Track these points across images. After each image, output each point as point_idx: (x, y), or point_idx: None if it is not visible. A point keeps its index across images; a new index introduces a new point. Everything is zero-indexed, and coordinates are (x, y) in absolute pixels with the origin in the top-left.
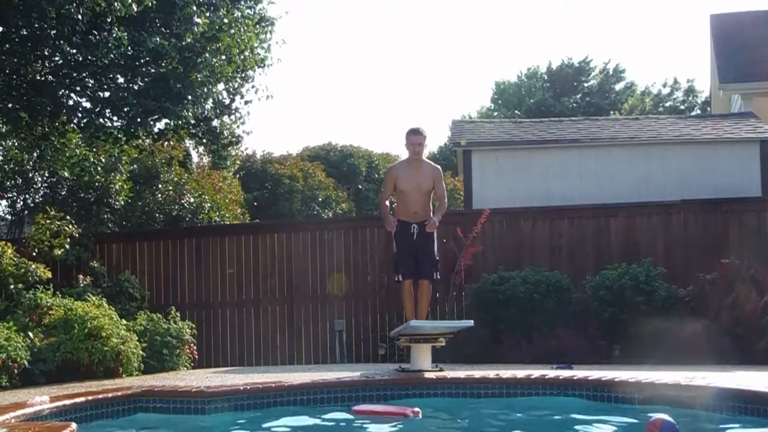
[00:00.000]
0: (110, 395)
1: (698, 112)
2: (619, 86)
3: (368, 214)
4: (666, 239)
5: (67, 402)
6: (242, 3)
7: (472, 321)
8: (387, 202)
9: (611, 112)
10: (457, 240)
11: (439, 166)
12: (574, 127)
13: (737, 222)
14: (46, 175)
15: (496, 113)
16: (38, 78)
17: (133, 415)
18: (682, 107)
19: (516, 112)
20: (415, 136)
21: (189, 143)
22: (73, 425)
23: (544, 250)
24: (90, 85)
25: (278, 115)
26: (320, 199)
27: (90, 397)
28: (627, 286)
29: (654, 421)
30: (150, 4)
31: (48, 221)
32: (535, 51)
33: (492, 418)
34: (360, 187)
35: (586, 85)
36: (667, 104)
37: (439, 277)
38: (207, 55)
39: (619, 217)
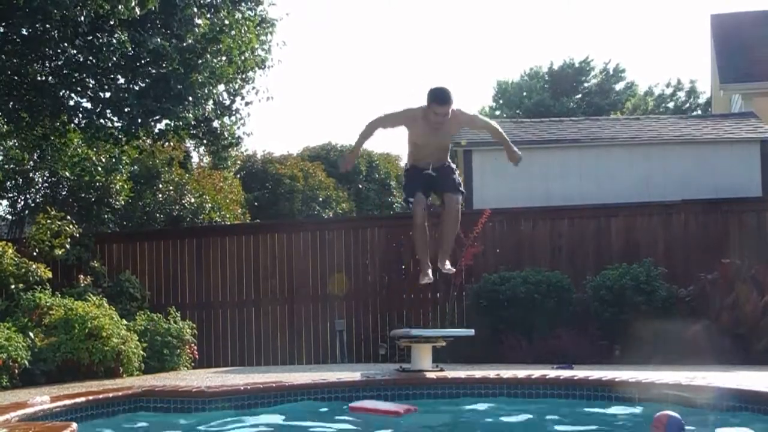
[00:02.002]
0: (111, 395)
1: (700, 112)
2: (619, 86)
3: (369, 214)
4: (666, 239)
5: (68, 402)
6: (243, 4)
7: (473, 330)
8: (372, 127)
9: (611, 113)
10: (457, 240)
11: (465, 111)
12: (574, 127)
13: (737, 222)
14: (47, 175)
15: (498, 112)
16: (39, 78)
17: (133, 414)
18: (684, 108)
19: (517, 112)
20: (440, 107)
21: (189, 144)
22: (74, 425)
23: (545, 250)
24: (91, 85)
25: (279, 116)
26: (321, 199)
27: (90, 397)
28: (627, 286)
29: (659, 417)
30: (153, 7)
31: (48, 221)
32: (537, 51)
33: (492, 418)
34: (360, 187)
35: (586, 85)
36: (669, 104)
37: (463, 198)
38: (208, 56)
39: (619, 217)
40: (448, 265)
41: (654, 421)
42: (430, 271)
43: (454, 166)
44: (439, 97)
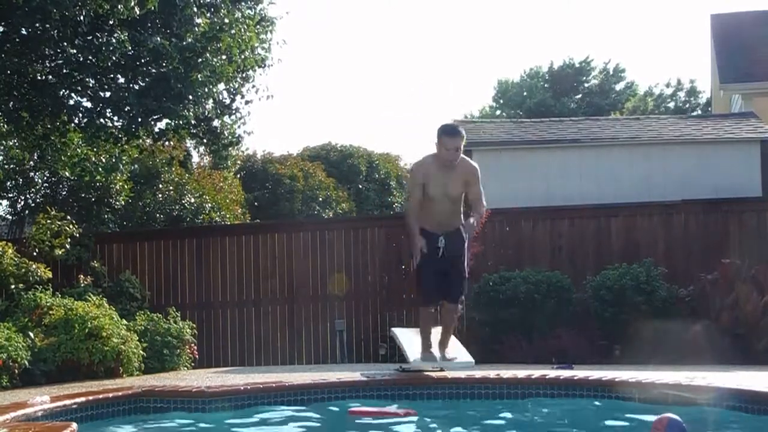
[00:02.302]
0: (111, 395)
1: (700, 112)
2: (619, 86)
3: (369, 214)
4: (666, 239)
5: (68, 402)
6: (243, 3)
7: (474, 361)
8: (415, 216)
9: (612, 113)
10: None
11: (476, 164)
12: (574, 127)
13: (738, 222)
14: (47, 174)
15: (498, 112)
16: (39, 78)
17: (133, 415)
18: (684, 108)
19: (518, 111)
20: (451, 140)
21: (189, 143)
22: (74, 425)
23: (545, 250)
24: (91, 85)
25: (278, 115)
26: (321, 199)
27: (90, 397)
28: (627, 286)
29: (660, 419)
30: (153, 7)
31: (48, 221)
32: (537, 51)
33: (492, 419)
34: (360, 187)
35: (586, 85)
36: (669, 105)
37: (464, 299)
38: (208, 54)
39: (619, 217)
40: (448, 354)
41: (654, 423)
42: (432, 350)
43: (465, 235)
44: (449, 129)
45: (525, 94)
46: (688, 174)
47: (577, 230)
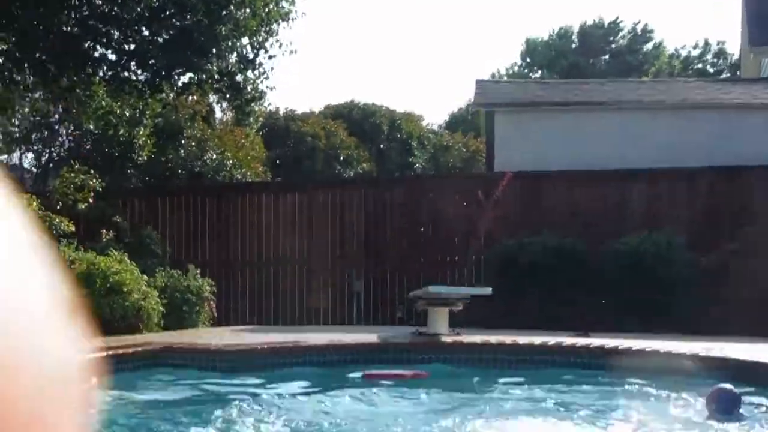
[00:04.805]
0: (130, 351)
1: (728, 75)
2: (647, 47)
3: (390, 175)
4: (689, 206)
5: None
6: None
7: (491, 288)
8: None
9: (639, 74)
10: (477, 203)
11: None
12: (599, 90)
13: (763, 190)
14: (71, 128)
15: (525, 70)
16: (65, 29)
17: (152, 370)
18: (711, 70)
19: (545, 71)
20: None
21: (212, 98)
22: (93, 379)
23: (565, 215)
24: (115, 37)
25: (301, 72)
26: (342, 158)
27: (110, 352)
28: (647, 254)
29: (713, 390)
30: None
31: (72, 175)
32: (566, 10)
33: (507, 384)
34: (382, 146)
35: (614, 45)
36: (697, 66)
37: None
38: (232, 7)
39: (642, 182)
40: None
41: (709, 394)
42: None
43: None
44: None
45: (553, 53)
46: (714, 139)
47: (598, 195)
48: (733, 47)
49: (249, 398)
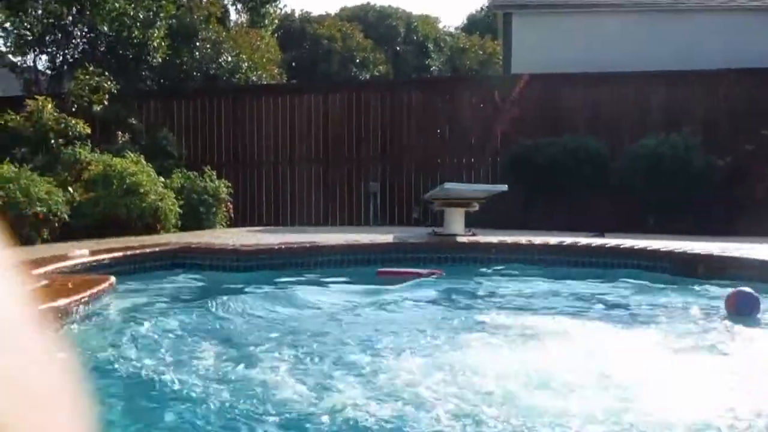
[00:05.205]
0: (148, 251)
1: None
2: None
3: (406, 77)
4: (708, 109)
5: (106, 256)
6: None
7: (506, 185)
8: None
9: None
10: (494, 105)
11: None
12: None
13: None
14: (85, 30)
15: None
16: None
17: (169, 270)
18: None
19: None
20: None
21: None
22: (112, 278)
23: (583, 117)
24: None
25: None
26: (358, 61)
27: (129, 252)
28: (664, 156)
29: (732, 293)
30: None
31: (87, 77)
32: None
33: (522, 283)
34: (398, 49)
35: None
36: None
37: None
38: None
39: (661, 84)
40: None
41: (727, 297)
42: None
43: None
44: None
45: None
46: (734, 42)
47: (616, 97)
48: None
49: (266, 296)
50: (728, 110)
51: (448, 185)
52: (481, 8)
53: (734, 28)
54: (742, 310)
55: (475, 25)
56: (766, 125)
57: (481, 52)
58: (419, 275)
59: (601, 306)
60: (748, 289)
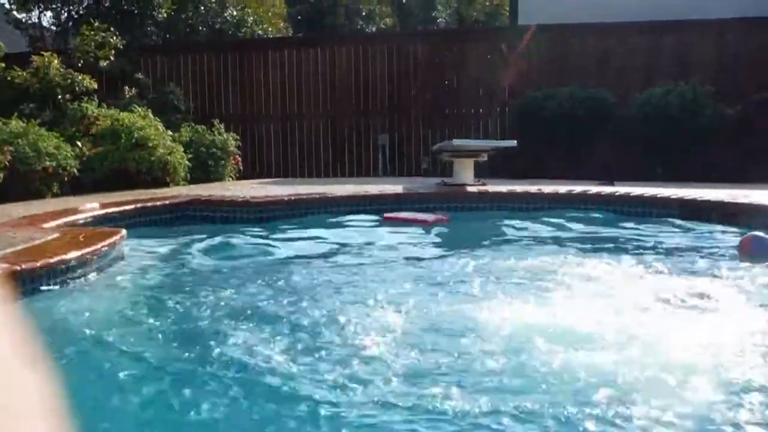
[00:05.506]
0: (158, 203)
1: None
2: None
3: (412, 29)
4: (719, 58)
5: (117, 209)
6: None
7: (515, 141)
8: None
9: None
10: (501, 56)
11: None
12: None
13: None
14: None
15: None
16: None
17: (179, 222)
18: None
19: None
20: None
21: None
22: (123, 231)
23: (591, 68)
24: None
25: None
26: (364, 14)
27: (139, 205)
28: (673, 105)
29: (745, 237)
30: None
31: (92, 32)
32: None
33: (531, 231)
34: (404, 1)
35: None
36: None
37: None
38: None
39: (670, 34)
40: None
41: (741, 241)
42: None
43: None
44: None
45: None
46: None
47: (626, 47)
48: None
49: (276, 246)
50: (738, 59)
51: (456, 142)
52: None
53: None
54: (755, 255)
55: None
56: None
57: (488, 3)
58: (426, 222)
59: (613, 252)
60: (760, 233)
